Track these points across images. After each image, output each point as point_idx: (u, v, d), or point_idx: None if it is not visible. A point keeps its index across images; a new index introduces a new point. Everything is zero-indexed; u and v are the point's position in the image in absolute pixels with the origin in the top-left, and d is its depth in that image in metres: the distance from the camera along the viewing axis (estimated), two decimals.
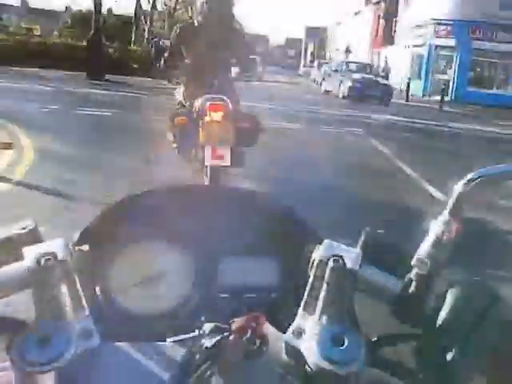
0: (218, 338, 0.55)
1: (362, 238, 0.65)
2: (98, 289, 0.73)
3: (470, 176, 0.60)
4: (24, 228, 0.63)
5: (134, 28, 26.10)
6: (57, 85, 13.33)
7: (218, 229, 0.77)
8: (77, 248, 0.65)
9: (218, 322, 0.58)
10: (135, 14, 26.86)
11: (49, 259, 0.56)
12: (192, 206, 0.78)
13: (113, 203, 0.76)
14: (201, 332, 0.58)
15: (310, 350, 0.55)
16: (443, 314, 0.56)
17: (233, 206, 0.79)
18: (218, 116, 3.56)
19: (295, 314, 0.61)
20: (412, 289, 0.60)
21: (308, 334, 0.58)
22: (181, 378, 0.54)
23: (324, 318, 0.58)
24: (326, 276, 0.58)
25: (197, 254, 0.76)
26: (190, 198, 0.81)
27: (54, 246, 0.59)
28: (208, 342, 0.55)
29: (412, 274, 0.61)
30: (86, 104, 10.00)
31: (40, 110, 8.93)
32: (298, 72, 52.27)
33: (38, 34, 22.57)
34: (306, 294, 0.61)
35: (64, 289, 0.57)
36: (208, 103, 3.59)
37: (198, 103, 3.71)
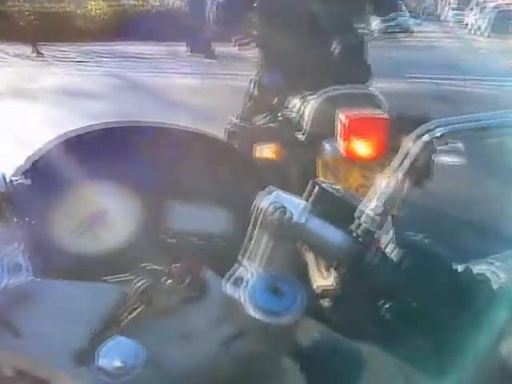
0: (154, 281, 0.56)
1: (312, 189, 0.63)
2: (34, 224, 0.68)
3: (419, 131, 0.61)
4: None
5: None
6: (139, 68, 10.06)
7: (167, 172, 0.75)
8: (16, 181, 0.61)
9: (158, 265, 0.59)
10: None
11: None
12: (143, 146, 0.74)
13: (56, 137, 0.73)
14: (137, 274, 0.58)
15: (246, 298, 0.57)
16: (388, 271, 0.57)
17: (186, 149, 0.76)
18: (366, 147, 1.52)
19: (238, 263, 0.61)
20: (360, 244, 0.60)
21: (245, 282, 0.58)
22: (113, 319, 0.55)
23: (263, 267, 0.59)
24: (270, 226, 0.58)
25: (144, 196, 0.74)
26: (141, 138, 0.76)
27: None
28: (143, 285, 0.56)
29: (360, 230, 0.60)
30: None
31: None
32: (444, 20, 44.84)
33: None
34: (247, 242, 0.61)
35: None
36: (344, 115, 1.53)
37: (300, 104, 1.68)
